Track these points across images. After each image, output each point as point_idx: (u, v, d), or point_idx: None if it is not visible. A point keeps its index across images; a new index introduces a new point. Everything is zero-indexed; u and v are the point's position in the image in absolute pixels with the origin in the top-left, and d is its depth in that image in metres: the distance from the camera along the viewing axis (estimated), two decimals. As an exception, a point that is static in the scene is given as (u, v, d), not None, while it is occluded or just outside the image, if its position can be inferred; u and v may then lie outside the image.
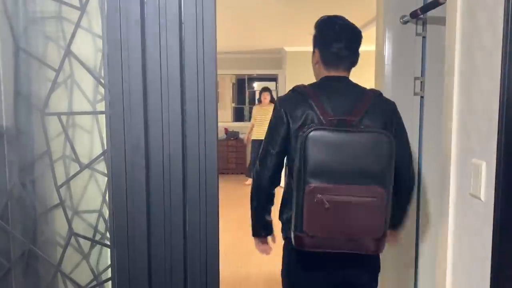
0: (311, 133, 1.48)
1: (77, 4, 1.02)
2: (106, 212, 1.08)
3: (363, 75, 7.12)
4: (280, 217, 1.78)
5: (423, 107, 2.32)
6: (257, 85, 9.74)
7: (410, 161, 1.73)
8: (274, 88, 9.13)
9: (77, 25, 1.02)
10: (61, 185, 1.06)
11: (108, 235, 1.08)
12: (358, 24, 1.85)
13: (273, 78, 8.92)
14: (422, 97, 2.31)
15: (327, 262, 1.67)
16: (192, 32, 1.02)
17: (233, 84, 10.33)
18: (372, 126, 1.59)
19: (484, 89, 1.28)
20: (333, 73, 1.75)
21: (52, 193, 1.06)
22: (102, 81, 1.04)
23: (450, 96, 1.47)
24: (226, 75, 9.54)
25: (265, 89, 6.95)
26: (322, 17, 1.79)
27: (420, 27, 2.26)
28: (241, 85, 9.84)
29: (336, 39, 1.74)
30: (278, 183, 1.76)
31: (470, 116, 1.36)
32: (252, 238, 1.86)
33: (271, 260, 2.14)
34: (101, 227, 1.10)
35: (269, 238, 1.86)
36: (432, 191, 2.29)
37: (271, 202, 1.77)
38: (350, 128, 1.54)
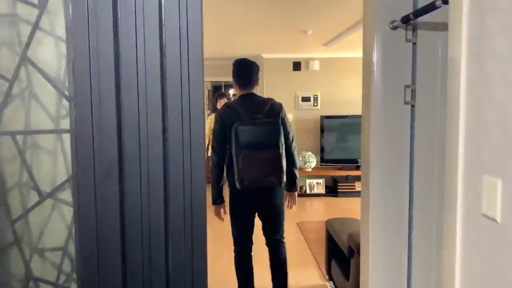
0: (239, 127, 2.78)
1: (35, 1, 0.85)
2: (73, 250, 0.90)
3: (350, 82, 6.98)
4: (228, 177, 2.96)
5: (414, 117, 2.21)
6: (232, 92, 9.59)
7: (291, 135, 3.02)
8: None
9: (35, 26, 0.85)
10: (17, 219, 0.88)
11: (75, 276, 0.91)
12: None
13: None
14: (413, 105, 2.20)
15: (254, 193, 2.91)
16: (175, 34, 0.86)
17: (209, 91, 10.16)
18: (270, 119, 2.89)
19: (497, 99, 1.16)
20: (245, 91, 3.01)
21: (6, 228, 0.88)
22: (67, 94, 0.87)
23: (455, 106, 1.35)
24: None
25: (222, 96, 6.46)
26: (236, 59, 3.15)
27: (410, 33, 2.16)
28: (217, 92, 9.69)
29: (244, 73, 3.06)
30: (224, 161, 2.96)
31: (480, 129, 1.24)
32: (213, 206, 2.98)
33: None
34: (67, 267, 0.92)
35: (222, 207, 3.00)
36: (423, 205, 2.18)
37: (222, 174, 2.94)
38: (258, 121, 2.86)
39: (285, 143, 2.91)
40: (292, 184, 3.05)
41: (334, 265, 3.26)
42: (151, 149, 0.85)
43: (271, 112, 2.91)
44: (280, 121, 2.91)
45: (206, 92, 9.97)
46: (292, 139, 3.02)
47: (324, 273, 3.68)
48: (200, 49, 0.87)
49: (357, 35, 5.04)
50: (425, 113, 2.16)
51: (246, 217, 2.98)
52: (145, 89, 0.86)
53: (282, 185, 2.96)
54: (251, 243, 3.05)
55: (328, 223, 3.34)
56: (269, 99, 3.03)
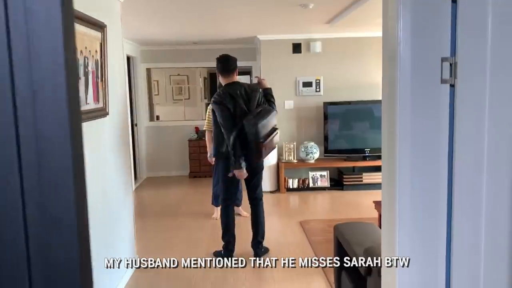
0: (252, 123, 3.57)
1: None
2: None
3: (356, 65, 6.38)
4: (220, 149, 3.87)
5: (454, 99, 1.66)
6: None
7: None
8: (249, 81, 8.44)
9: None
10: None
11: None
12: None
13: (247, 71, 8.23)
14: (452, 85, 1.66)
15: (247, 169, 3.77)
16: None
17: (205, 78, 9.57)
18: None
19: None
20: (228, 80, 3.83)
21: None
22: None
23: None
24: (195, 68, 8.79)
25: None
26: (219, 55, 3.98)
27: (448, -12, 1.60)
28: (215, 79, 9.10)
29: (225, 65, 3.87)
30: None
31: None
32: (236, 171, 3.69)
33: None
34: None
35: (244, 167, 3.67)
36: (465, 206, 1.64)
37: (240, 147, 3.60)
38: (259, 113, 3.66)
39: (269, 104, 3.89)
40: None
41: (345, 279, 2.74)
42: None
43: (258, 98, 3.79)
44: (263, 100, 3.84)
45: (201, 79, 9.42)
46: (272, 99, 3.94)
47: (333, 286, 3.16)
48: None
49: (365, 10, 4.46)
50: (469, 94, 1.61)
51: (236, 182, 4.05)
52: None
53: None
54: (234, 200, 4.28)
55: (338, 229, 2.81)
56: (248, 85, 3.89)
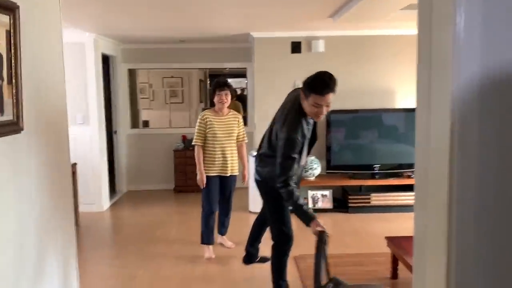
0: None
1: None
2: None
3: (364, 67, 5.50)
4: (265, 174, 3.07)
5: None
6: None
7: None
8: (245, 86, 7.59)
9: None
10: None
11: None
12: None
13: (242, 74, 7.38)
14: None
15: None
16: None
17: (201, 81, 8.72)
18: None
19: None
20: None
21: None
22: None
23: None
24: (190, 70, 7.90)
25: (223, 85, 4.10)
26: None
27: None
28: (211, 82, 8.24)
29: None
30: None
31: None
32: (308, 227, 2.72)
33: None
34: None
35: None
36: None
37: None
38: None
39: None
40: None
41: None
42: None
43: None
44: None
45: (197, 82, 8.58)
46: None
47: None
48: None
49: (374, 0, 3.59)
50: None
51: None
52: None
53: None
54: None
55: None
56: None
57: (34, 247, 2.34)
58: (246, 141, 4.35)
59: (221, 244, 4.43)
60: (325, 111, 2.76)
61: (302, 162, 2.92)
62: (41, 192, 2.42)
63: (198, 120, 4.11)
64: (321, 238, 2.58)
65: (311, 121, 2.87)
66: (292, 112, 2.83)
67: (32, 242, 2.33)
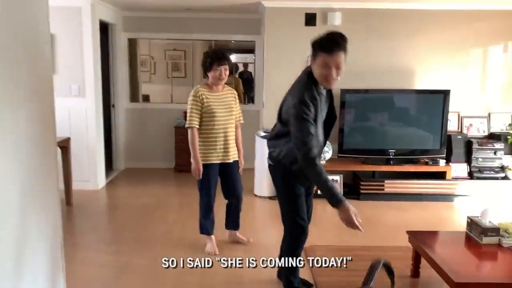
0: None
1: None
2: None
3: (383, 44, 5.04)
4: (278, 155, 2.71)
5: None
6: (234, 58, 7.73)
7: None
8: (251, 61, 7.14)
9: None
10: None
11: None
12: None
13: (250, 49, 6.92)
14: None
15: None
16: None
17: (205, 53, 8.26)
18: None
19: None
20: None
21: None
22: None
23: None
24: (194, 41, 7.43)
25: (223, 58, 3.48)
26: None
27: None
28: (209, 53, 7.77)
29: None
30: None
31: None
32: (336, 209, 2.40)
33: None
34: None
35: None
36: None
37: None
38: None
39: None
40: None
41: None
42: None
43: None
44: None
45: (201, 56, 8.12)
46: None
47: None
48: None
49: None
50: None
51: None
52: None
53: None
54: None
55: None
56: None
57: (11, 234, 1.97)
58: (242, 121, 3.73)
59: (237, 242, 3.85)
60: (334, 74, 2.47)
61: (320, 138, 2.58)
62: (18, 173, 2.04)
63: (191, 97, 3.46)
64: (375, 267, 2.09)
65: (323, 92, 2.59)
66: (300, 81, 2.60)
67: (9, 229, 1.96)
